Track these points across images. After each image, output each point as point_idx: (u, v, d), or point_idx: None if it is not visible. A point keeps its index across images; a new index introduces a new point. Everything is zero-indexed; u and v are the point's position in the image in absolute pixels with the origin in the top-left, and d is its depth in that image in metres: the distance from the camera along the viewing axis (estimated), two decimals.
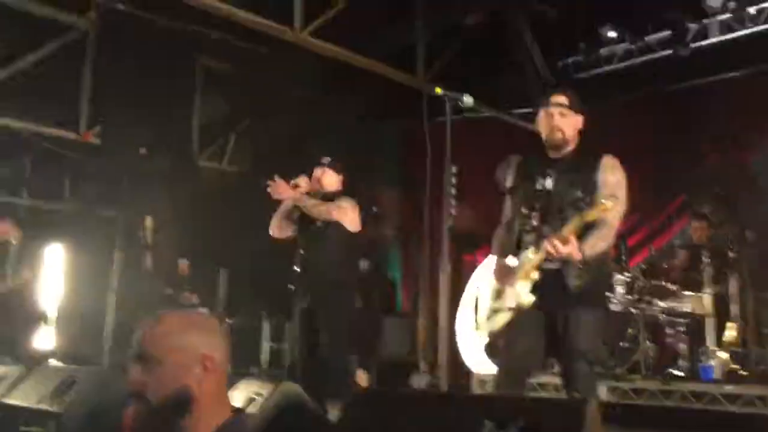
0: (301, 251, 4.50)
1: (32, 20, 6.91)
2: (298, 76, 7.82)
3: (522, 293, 3.14)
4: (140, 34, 7.65)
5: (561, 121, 3.28)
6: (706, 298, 5.85)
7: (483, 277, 3.50)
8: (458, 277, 7.53)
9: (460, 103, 3.44)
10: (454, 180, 3.41)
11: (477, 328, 3.34)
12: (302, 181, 4.58)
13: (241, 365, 7.49)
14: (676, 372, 5.75)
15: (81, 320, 7.45)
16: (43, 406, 2.97)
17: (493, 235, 3.52)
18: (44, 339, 6.69)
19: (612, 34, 7.29)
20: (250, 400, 2.72)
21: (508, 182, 3.46)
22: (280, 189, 4.49)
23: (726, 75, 6.93)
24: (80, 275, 8.76)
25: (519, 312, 3.17)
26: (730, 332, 5.82)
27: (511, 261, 3.26)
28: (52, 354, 6.66)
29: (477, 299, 3.47)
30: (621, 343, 5.80)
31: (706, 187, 6.86)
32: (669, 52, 7.11)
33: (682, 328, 5.91)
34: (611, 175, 3.23)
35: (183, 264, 8.93)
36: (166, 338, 1.71)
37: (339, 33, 6.65)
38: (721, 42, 6.86)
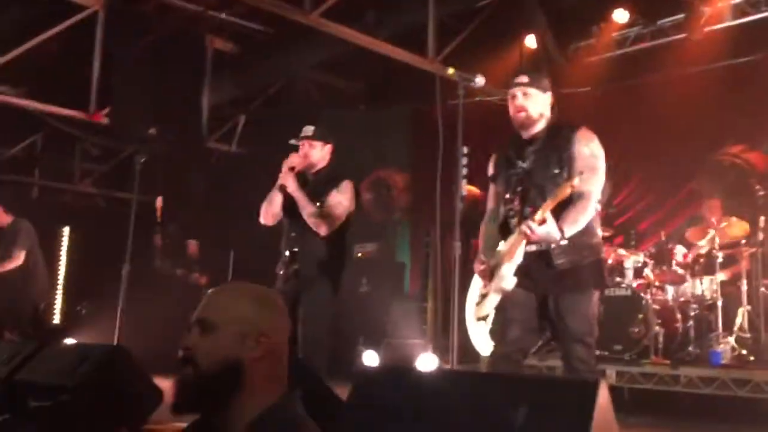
0: (293, 234, 4.21)
1: (43, 0, 6.91)
2: (308, 57, 7.80)
3: (506, 276, 3.11)
4: (150, 14, 7.64)
5: (523, 101, 3.27)
6: (717, 283, 5.83)
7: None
8: (467, 260, 7.52)
9: (472, 84, 3.44)
10: (465, 161, 3.38)
11: (474, 314, 3.33)
12: (296, 159, 4.23)
13: None
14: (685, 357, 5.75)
15: (92, 298, 7.49)
16: (56, 382, 3.00)
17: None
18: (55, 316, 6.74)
19: (625, 17, 7.23)
20: None
21: (490, 170, 3.48)
22: (283, 175, 4.18)
23: (740, 59, 6.86)
24: (90, 255, 8.83)
25: (509, 295, 3.15)
26: (740, 317, 5.81)
27: (500, 246, 3.25)
28: (63, 330, 6.70)
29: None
30: (630, 328, 5.79)
31: (719, 175, 6.81)
32: (682, 36, 7.04)
33: (692, 313, 5.89)
34: (585, 147, 3.20)
35: (193, 244, 8.98)
36: (228, 307, 1.70)
37: (350, 14, 6.61)
38: (735, 26, 6.79)
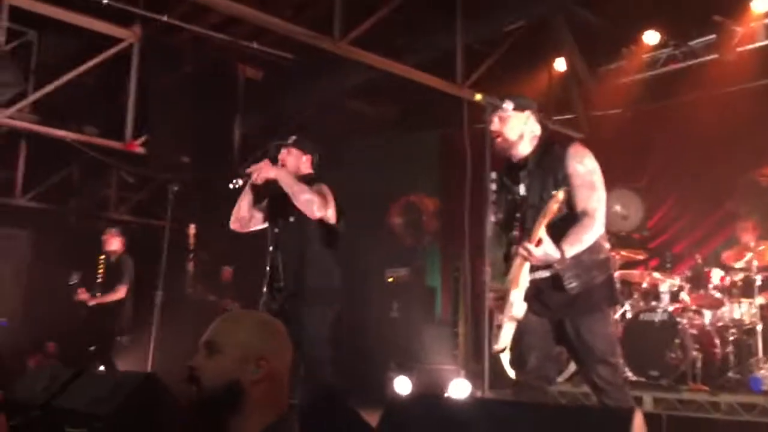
0: (272, 249, 3.88)
1: (80, 33, 7.10)
2: (337, 84, 7.88)
3: (515, 303, 3.05)
4: (184, 46, 7.81)
5: (497, 126, 3.23)
6: (756, 307, 5.70)
7: None
8: None
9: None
10: (494, 186, 3.36)
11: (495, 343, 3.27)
12: (265, 166, 3.89)
13: None
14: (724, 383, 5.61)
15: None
16: (90, 409, 3.03)
17: None
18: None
19: (655, 38, 7.18)
20: None
21: (491, 199, 3.37)
22: (265, 166, 3.85)
23: None
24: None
25: (523, 322, 3.08)
26: None
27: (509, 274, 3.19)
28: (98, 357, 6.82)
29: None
30: (667, 353, 5.67)
31: (755, 195, 6.69)
32: (715, 56, 6.97)
33: (731, 338, 5.76)
34: (579, 165, 3.13)
35: (227, 271, 9.05)
36: (232, 332, 1.83)
37: (378, 41, 6.68)
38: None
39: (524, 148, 3.26)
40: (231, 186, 3.95)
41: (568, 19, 7.33)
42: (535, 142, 3.26)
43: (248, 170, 3.93)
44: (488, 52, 7.56)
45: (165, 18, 7.14)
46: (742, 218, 6.31)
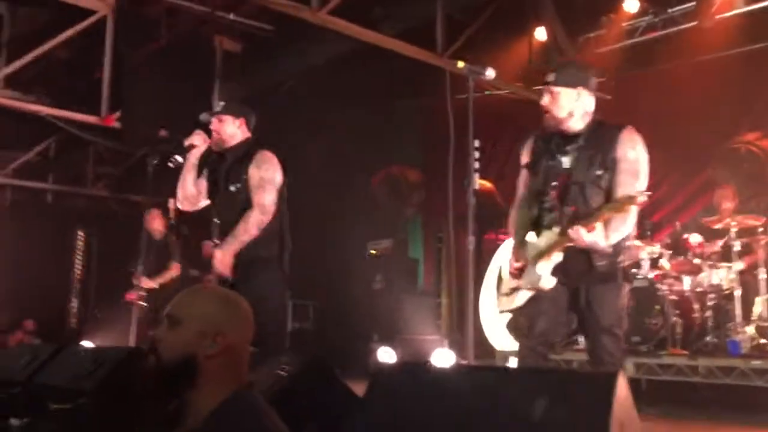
0: (216, 220, 3.90)
1: (52, 5, 6.94)
2: (316, 55, 7.80)
3: (544, 276, 3.09)
4: (158, 17, 7.67)
5: (546, 102, 3.19)
6: (734, 272, 5.78)
7: (505, 255, 3.44)
8: (480, 254, 7.51)
9: (482, 77, 3.41)
10: (477, 155, 3.35)
11: (499, 306, 3.31)
12: (198, 138, 3.93)
13: None
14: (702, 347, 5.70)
15: (107, 300, 7.54)
16: (74, 385, 3.01)
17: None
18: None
19: (635, 6, 7.16)
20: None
21: (525, 157, 3.37)
22: (196, 136, 3.91)
23: (753, 46, 6.79)
24: (105, 257, 8.88)
25: (540, 290, 3.14)
26: (758, 306, 5.76)
27: (530, 237, 3.22)
28: (79, 333, 6.77)
29: (499, 277, 3.44)
30: (647, 319, 5.75)
31: (734, 162, 6.75)
32: (694, 24, 6.97)
33: (710, 303, 5.84)
34: (631, 150, 3.14)
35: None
36: (192, 305, 1.83)
37: (358, 11, 6.60)
38: (746, 12, 6.72)
39: (575, 124, 3.19)
40: (170, 165, 3.95)
41: None
42: (587, 119, 3.20)
43: (185, 143, 3.92)
44: (469, 21, 7.51)
45: None
46: (720, 185, 6.36)
